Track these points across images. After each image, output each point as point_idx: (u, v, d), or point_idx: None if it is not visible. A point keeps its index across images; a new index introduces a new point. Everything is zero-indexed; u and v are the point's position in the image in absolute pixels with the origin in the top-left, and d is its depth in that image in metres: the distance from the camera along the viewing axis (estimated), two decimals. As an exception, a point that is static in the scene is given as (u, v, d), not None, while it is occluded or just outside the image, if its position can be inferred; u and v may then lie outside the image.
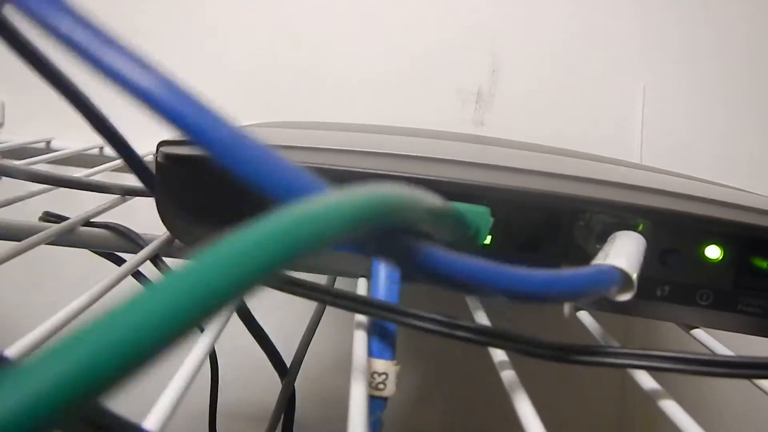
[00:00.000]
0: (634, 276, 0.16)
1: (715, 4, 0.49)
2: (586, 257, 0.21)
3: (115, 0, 0.47)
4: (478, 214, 0.19)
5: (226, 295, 0.07)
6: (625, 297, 0.16)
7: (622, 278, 0.16)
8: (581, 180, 0.22)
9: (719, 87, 0.50)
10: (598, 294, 0.15)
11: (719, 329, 0.22)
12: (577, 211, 0.21)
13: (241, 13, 0.48)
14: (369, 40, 0.48)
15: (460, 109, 0.48)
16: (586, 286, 0.14)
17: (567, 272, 0.14)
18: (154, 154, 0.23)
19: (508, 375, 0.18)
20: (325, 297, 0.19)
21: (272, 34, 0.48)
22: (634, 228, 0.20)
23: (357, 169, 0.21)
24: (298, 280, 0.20)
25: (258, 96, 0.48)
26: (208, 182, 0.22)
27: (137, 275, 0.30)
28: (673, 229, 0.21)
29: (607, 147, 0.47)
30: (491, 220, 0.19)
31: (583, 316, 0.23)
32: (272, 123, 0.37)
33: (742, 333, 0.22)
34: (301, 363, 0.36)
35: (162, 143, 0.23)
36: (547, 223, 0.21)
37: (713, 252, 0.21)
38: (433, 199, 0.14)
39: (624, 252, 0.17)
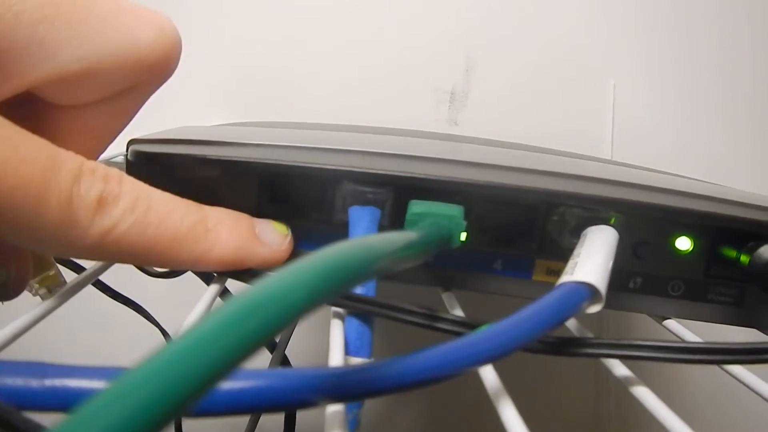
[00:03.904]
0: (603, 290, 0.16)
1: (683, 4, 0.50)
2: (562, 250, 0.21)
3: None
4: (450, 218, 0.19)
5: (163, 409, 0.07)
6: (595, 309, 0.16)
7: (590, 292, 0.16)
8: (554, 175, 0.22)
9: (685, 84, 0.51)
10: (573, 314, 0.15)
11: (691, 319, 0.22)
12: (550, 205, 0.21)
13: (214, 15, 0.47)
14: (344, 40, 0.48)
15: (434, 108, 0.48)
16: (559, 314, 0.14)
17: (535, 308, 0.14)
18: (124, 154, 0.22)
19: (485, 369, 0.18)
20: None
21: (246, 34, 0.47)
22: (606, 221, 0.21)
23: (328, 167, 0.20)
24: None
25: (232, 95, 0.48)
26: (179, 179, 0.21)
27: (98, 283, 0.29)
28: (644, 221, 0.21)
29: (580, 144, 0.48)
30: (464, 223, 0.19)
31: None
32: (244, 123, 0.36)
33: (713, 322, 0.22)
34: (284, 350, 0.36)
35: (132, 141, 0.22)
36: (521, 218, 0.21)
37: (684, 243, 0.22)
38: (394, 240, 0.14)
39: (591, 261, 0.17)
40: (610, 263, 0.17)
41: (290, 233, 0.21)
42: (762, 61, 0.51)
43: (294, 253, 0.21)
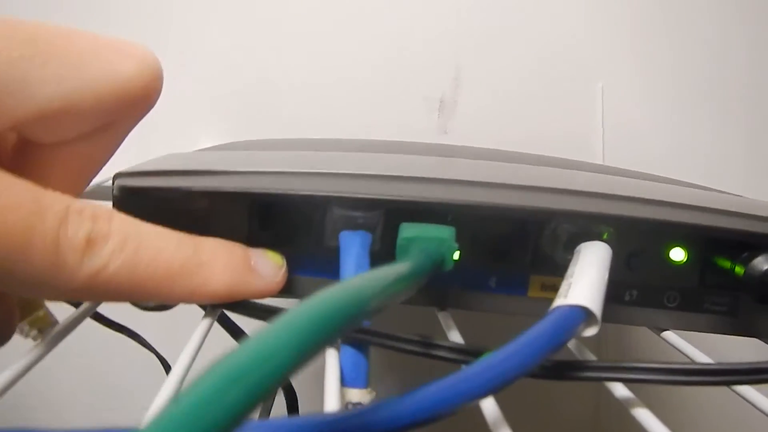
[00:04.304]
0: (598, 312, 0.15)
1: (671, 5, 0.50)
2: (556, 265, 0.21)
3: (82, 18, 0.46)
4: (442, 241, 0.19)
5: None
6: (591, 332, 0.16)
7: (585, 314, 0.15)
8: (545, 190, 0.22)
9: (675, 85, 0.51)
10: (569, 339, 0.15)
11: (688, 330, 0.22)
12: (542, 222, 0.21)
13: (201, 25, 0.47)
14: (331, 50, 0.48)
15: (424, 117, 0.48)
16: (555, 340, 0.14)
17: (531, 335, 0.14)
18: (111, 186, 0.22)
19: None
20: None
21: (234, 45, 0.47)
22: (599, 236, 0.20)
23: (316, 193, 0.20)
24: (262, 305, 0.20)
25: (220, 107, 0.47)
26: (167, 211, 0.21)
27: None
28: (637, 234, 0.21)
29: (571, 148, 0.48)
30: (455, 246, 0.19)
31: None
32: (232, 144, 0.36)
33: (710, 332, 0.22)
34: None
35: (117, 176, 0.22)
36: (513, 234, 0.21)
37: (677, 254, 0.22)
38: (384, 277, 0.13)
39: (585, 282, 0.16)
40: (605, 283, 0.17)
41: (285, 263, 0.21)
42: (753, 62, 0.51)
43: (288, 281, 0.21)
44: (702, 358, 0.20)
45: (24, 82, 0.16)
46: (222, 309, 0.21)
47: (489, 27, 0.49)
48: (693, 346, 0.21)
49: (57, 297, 0.20)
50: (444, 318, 0.22)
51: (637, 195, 0.22)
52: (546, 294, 0.22)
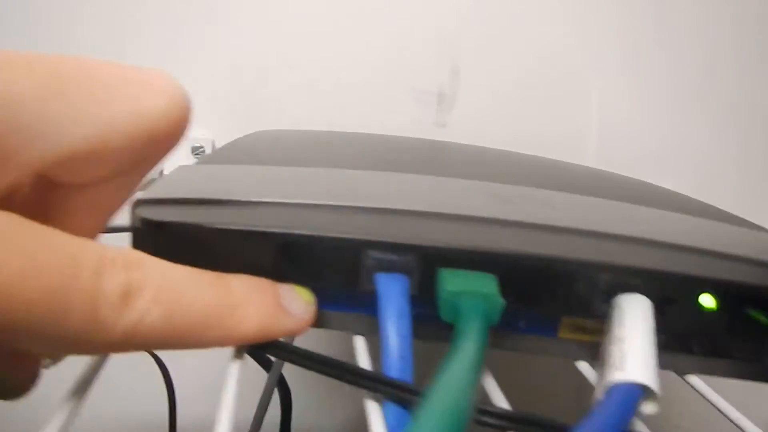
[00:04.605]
0: (658, 389, 0.15)
1: (666, 8, 0.50)
2: (588, 309, 0.21)
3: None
4: (489, 298, 0.18)
5: None
6: (652, 410, 0.16)
7: (644, 391, 0.15)
8: (584, 235, 0.22)
9: (669, 84, 0.51)
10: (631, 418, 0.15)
11: (713, 375, 0.23)
12: (581, 272, 0.20)
13: (200, 23, 0.45)
14: (329, 44, 0.46)
15: (422, 112, 0.47)
16: (622, 421, 0.14)
17: (599, 420, 0.14)
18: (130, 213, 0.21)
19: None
20: (339, 373, 0.18)
21: (232, 42, 0.45)
22: (636, 286, 0.20)
23: (355, 237, 0.19)
24: (311, 354, 0.19)
25: (218, 103, 0.46)
26: (189, 246, 0.20)
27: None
28: (672, 285, 0.21)
29: (565, 147, 0.48)
30: (502, 302, 0.18)
31: (583, 366, 0.23)
32: (250, 139, 0.34)
33: (736, 378, 0.22)
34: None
35: (137, 203, 0.21)
36: (549, 279, 0.21)
37: (708, 301, 0.22)
38: (471, 365, 0.13)
39: (641, 353, 0.16)
40: (655, 353, 0.17)
41: (314, 299, 0.20)
42: (746, 62, 0.51)
43: (316, 317, 0.20)
44: (723, 404, 0.21)
45: (50, 122, 0.15)
46: (246, 351, 0.20)
47: (488, 23, 0.47)
48: (718, 395, 0.21)
49: (88, 353, 0.19)
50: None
51: (674, 241, 0.22)
52: (576, 335, 0.22)
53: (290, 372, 0.39)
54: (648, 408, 0.16)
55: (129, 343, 0.16)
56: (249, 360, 0.21)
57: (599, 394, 0.16)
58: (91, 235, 0.18)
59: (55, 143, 0.15)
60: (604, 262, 0.19)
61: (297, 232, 0.19)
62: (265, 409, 0.38)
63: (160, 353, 0.37)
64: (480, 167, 0.33)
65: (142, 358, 0.36)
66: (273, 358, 0.38)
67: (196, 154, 0.45)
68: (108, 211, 0.19)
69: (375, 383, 0.18)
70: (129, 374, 0.40)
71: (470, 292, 0.18)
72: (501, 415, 0.17)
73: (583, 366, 0.23)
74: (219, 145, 0.45)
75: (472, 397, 0.12)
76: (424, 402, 0.12)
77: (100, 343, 0.15)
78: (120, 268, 0.16)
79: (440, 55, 0.46)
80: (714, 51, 0.50)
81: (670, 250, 0.22)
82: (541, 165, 0.36)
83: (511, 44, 0.47)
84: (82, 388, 0.18)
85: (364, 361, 0.21)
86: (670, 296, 0.21)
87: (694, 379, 0.22)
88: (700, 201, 0.33)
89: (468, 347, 0.15)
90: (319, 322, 0.21)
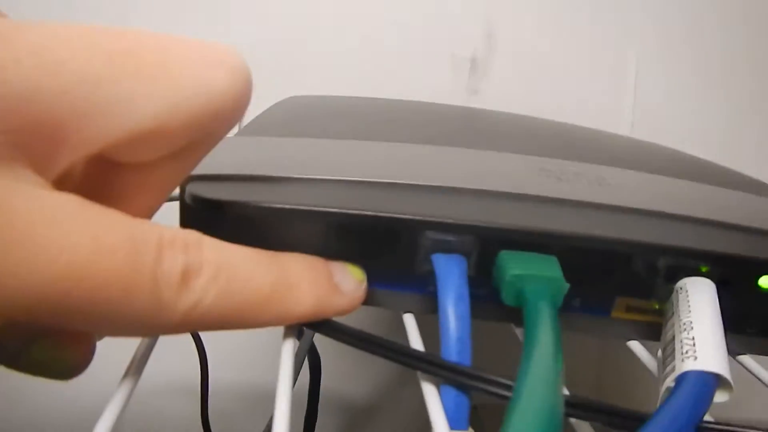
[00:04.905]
0: (730, 377, 0.15)
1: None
2: (645, 289, 0.21)
3: None
4: (554, 282, 0.18)
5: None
6: (723, 399, 0.15)
7: (718, 380, 0.15)
8: (645, 215, 0.21)
9: (710, 56, 0.49)
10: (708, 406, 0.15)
11: (765, 354, 0.22)
12: (644, 254, 0.20)
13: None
14: (356, 7, 0.45)
15: (453, 77, 0.46)
16: (699, 412, 0.14)
17: (673, 410, 0.14)
18: (179, 191, 0.20)
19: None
20: (397, 357, 0.18)
21: (257, 9, 0.44)
22: (699, 269, 0.20)
23: (414, 218, 0.19)
24: (368, 335, 0.19)
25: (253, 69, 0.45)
26: (242, 225, 0.20)
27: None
28: (735, 267, 0.20)
29: (601, 114, 0.47)
30: (566, 286, 0.18)
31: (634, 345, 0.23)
32: (287, 107, 0.33)
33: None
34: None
35: (189, 179, 0.20)
36: (608, 259, 0.21)
37: (766, 282, 0.21)
38: (552, 354, 0.13)
39: (711, 340, 0.16)
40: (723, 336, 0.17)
41: (365, 277, 0.20)
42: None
43: (367, 295, 0.20)
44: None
45: (121, 101, 0.14)
46: (299, 328, 0.20)
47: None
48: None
49: (148, 335, 0.18)
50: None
51: (736, 221, 0.22)
52: (630, 315, 0.22)
53: (320, 340, 0.39)
54: (720, 397, 0.16)
55: (188, 323, 0.16)
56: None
57: (670, 382, 0.16)
58: (147, 215, 0.18)
59: (120, 122, 0.14)
60: (670, 245, 0.19)
61: (354, 211, 0.19)
62: (297, 376, 0.38)
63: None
64: (526, 139, 0.32)
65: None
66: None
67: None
68: (166, 190, 0.18)
69: (433, 366, 0.18)
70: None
71: (535, 276, 0.18)
72: (580, 405, 0.17)
73: (635, 346, 0.23)
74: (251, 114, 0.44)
75: (561, 389, 0.12)
76: (518, 399, 0.11)
77: (160, 325, 0.15)
78: (179, 249, 0.15)
79: (473, 18, 0.45)
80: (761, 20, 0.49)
81: (733, 231, 0.21)
82: (584, 136, 0.35)
83: (547, 7, 0.46)
84: (139, 367, 0.18)
85: (415, 340, 0.21)
86: (730, 278, 0.21)
87: (747, 359, 0.22)
88: (750, 176, 0.32)
89: (546, 338, 0.14)
90: (369, 300, 0.21)
